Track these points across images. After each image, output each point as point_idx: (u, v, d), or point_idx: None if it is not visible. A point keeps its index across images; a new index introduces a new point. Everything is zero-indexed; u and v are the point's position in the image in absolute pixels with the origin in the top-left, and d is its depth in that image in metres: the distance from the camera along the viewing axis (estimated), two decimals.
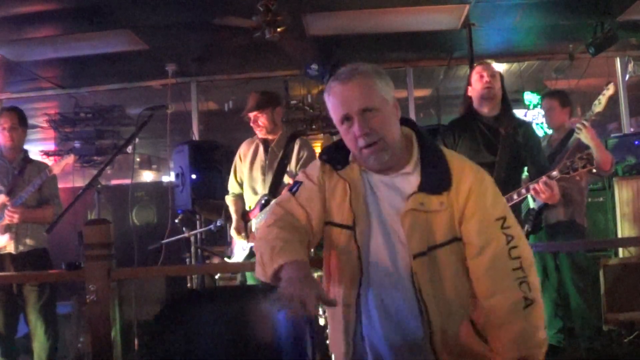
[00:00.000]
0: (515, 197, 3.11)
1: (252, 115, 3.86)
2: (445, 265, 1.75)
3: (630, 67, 6.79)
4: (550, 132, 4.63)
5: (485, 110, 3.38)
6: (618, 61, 6.85)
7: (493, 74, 3.35)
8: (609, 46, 5.75)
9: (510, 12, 5.35)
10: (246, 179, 3.92)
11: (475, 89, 3.39)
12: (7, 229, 3.87)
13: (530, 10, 5.27)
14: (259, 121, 3.86)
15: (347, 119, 1.77)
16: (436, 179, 1.78)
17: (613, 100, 6.77)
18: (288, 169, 3.60)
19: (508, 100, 3.43)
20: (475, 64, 3.50)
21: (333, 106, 1.80)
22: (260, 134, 3.92)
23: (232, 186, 4.04)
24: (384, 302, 1.77)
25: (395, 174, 1.82)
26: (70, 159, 4.06)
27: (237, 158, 4.03)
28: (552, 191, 3.02)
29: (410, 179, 1.80)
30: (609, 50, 5.95)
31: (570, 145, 3.97)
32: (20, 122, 4.05)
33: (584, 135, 3.75)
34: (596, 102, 3.70)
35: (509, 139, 3.27)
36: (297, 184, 1.91)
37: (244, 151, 3.99)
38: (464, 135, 3.39)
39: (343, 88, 1.77)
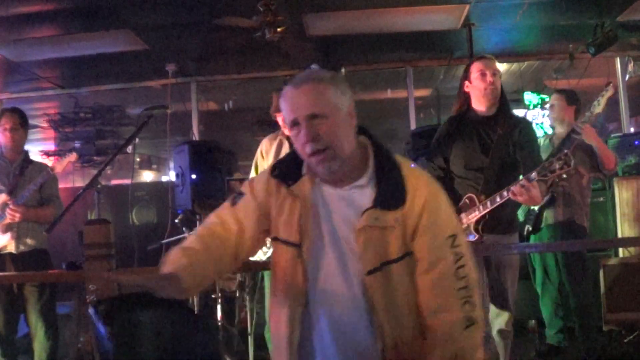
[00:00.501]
0: (497, 199, 3.05)
1: (279, 114, 3.83)
2: (398, 280, 1.73)
3: (630, 67, 6.79)
4: (550, 131, 4.63)
5: (483, 108, 3.29)
6: (618, 61, 6.86)
7: (495, 72, 3.25)
8: (609, 46, 5.75)
9: (510, 12, 5.35)
10: None
11: (475, 87, 3.27)
12: (9, 228, 3.87)
13: (530, 10, 5.27)
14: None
15: (295, 123, 1.73)
16: (391, 194, 1.74)
17: (613, 101, 6.80)
18: None
19: (506, 98, 3.35)
20: (474, 59, 3.37)
21: (284, 110, 1.76)
22: (287, 131, 3.89)
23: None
24: (336, 318, 1.75)
25: (349, 186, 1.77)
26: (72, 157, 4.07)
27: (258, 155, 3.94)
28: (530, 193, 2.93)
29: (365, 192, 1.76)
30: (609, 50, 5.94)
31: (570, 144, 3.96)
32: (22, 123, 4.06)
33: (586, 136, 3.75)
34: (595, 102, 3.67)
35: (504, 140, 3.20)
36: (240, 195, 1.88)
37: (266, 148, 3.90)
38: (460, 135, 3.31)
39: (294, 93, 1.73)
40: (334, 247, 1.76)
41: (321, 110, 1.70)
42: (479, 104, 3.30)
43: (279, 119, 3.80)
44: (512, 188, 2.97)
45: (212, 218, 1.89)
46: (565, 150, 2.95)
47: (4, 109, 4.22)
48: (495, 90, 3.24)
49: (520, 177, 3.13)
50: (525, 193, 2.92)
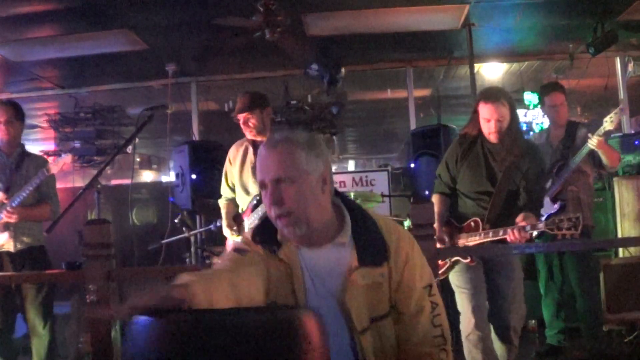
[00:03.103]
0: (500, 233, 3.16)
1: (242, 116, 3.86)
2: (388, 336, 1.76)
3: (630, 67, 6.80)
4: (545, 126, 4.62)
5: (490, 140, 3.35)
6: (618, 61, 6.86)
7: (500, 118, 3.25)
8: (609, 46, 5.75)
9: (510, 12, 5.35)
10: (237, 181, 3.91)
11: (482, 128, 3.33)
12: (6, 227, 3.87)
13: (530, 10, 5.28)
14: (249, 122, 3.86)
15: (263, 185, 1.73)
16: (374, 251, 1.75)
17: (613, 101, 6.80)
18: None
19: (517, 127, 3.38)
20: (481, 99, 3.34)
21: (257, 169, 1.76)
22: (250, 135, 3.91)
23: (224, 190, 4.03)
24: None
25: (328, 245, 1.77)
26: (67, 158, 4.04)
27: (227, 162, 4.00)
28: (522, 240, 3.09)
29: (345, 250, 1.76)
30: (609, 50, 5.94)
31: (578, 148, 3.97)
32: (17, 116, 4.00)
33: (595, 145, 3.82)
34: (607, 119, 3.72)
35: (512, 170, 3.28)
36: (244, 251, 1.80)
37: (233, 154, 3.97)
38: (467, 159, 3.39)
39: (265, 154, 1.73)
40: (327, 310, 1.68)
41: (287, 175, 1.69)
42: (487, 136, 3.36)
43: (240, 122, 3.85)
44: (509, 233, 3.10)
45: (222, 264, 1.81)
46: (578, 215, 3.03)
47: None
48: (499, 133, 3.28)
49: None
50: (520, 241, 3.09)
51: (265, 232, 1.80)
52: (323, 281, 1.76)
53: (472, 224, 3.32)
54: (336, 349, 1.71)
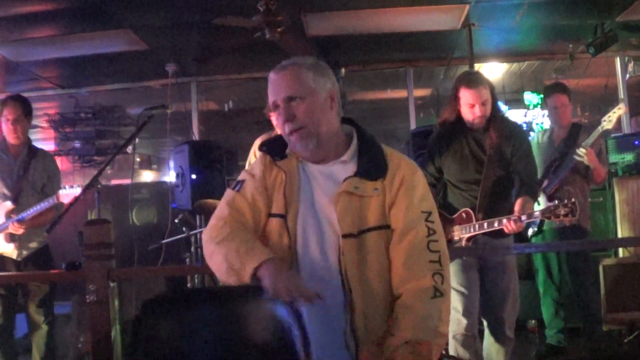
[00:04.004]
0: (495, 224, 3.12)
1: (272, 114, 3.84)
2: (373, 250, 1.80)
3: (630, 67, 6.79)
4: (542, 131, 4.64)
5: (473, 125, 3.30)
6: (618, 61, 6.85)
7: (484, 102, 3.21)
8: (609, 46, 5.74)
9: (510, 12, 5.34)
10: None
11: (464, 113, 3.27)
12: (12, 238, 3.85)
13: (530, 10, 5.27)
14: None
15: (276, 106, 1.86)
16: (372, 167, 1.85)
17: (613, 101, 6.80)
18: None
19: (498, 110, 3.33)
20: (462, 85, 3.26)
21: (268, 94, 1.89)
22: (280, 130, 3.88)
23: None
24: (312, 285, 1.76)
25: (332, 162, 1.89)
26: (78, 191, 3.78)
27: (251, 156, 3.94)
28: (519, 230, 3.11)
29: (346, 167, 1.87)
30: (609, 50, 5.94)
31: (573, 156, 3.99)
32: (25, 113, 3.94)
33: (587, 159, 3.88)
34: (606, 118, 3.74)
35: (497, 155, 3.23)
36: (239, 182, 1.95)
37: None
38: (451, 149, 3.32)
39: (275, 77, 1.87)
40: (312, 219, 1.84)
41: (298, 93, 1.83)
42: (468, 123, 3.29)
43: (273, 119, 3.81)
44: (505, 223, 3.06)
45: (224, 210, 1.91)
46: (573, 199, 3.00)
47: (7, 97, 4.05)
48: (483, 117, 3.24)
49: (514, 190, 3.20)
50: (517, 231, 3.10)
51: (273, 145, 1.95)
52: (316, 191, 1.87)
53: (464, 214, 3.27)
54: (321, 259, 1.82)
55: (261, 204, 1.88)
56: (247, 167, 4.01)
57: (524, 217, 3.05)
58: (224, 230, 1.85)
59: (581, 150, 3.85)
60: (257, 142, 3.97)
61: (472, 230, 3.21)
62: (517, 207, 3.13)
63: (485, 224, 3.16)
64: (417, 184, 1.88)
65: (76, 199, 3.29)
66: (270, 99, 1.88)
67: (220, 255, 1.80)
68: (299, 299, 1.65)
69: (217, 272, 1.85)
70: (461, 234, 3.25)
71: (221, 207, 1.93)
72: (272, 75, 1.88)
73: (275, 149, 1.94)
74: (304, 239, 1.84)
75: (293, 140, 1.86)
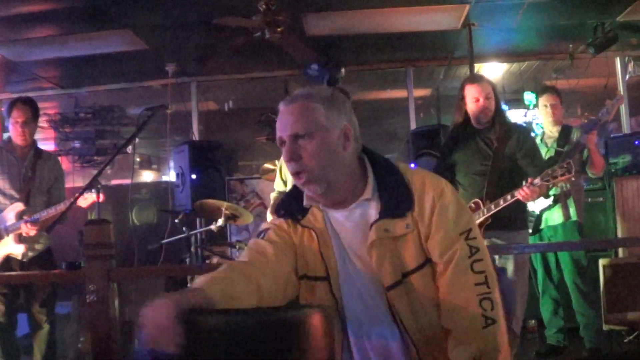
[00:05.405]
0: (501, 202, 3.31)
1: None
2: (423, 291, 1.66)
3: (630, 67, 6.79)
4: (539, 131, 4.65)
5: (478, 124, 3.55)
6: (618, 61, 6.85)
7: (488, 96, 3.47)
8: (609, 46, 5.75)
9: (510, 12, 5.35)
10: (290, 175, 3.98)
11: (470, 109, 3.53)
12: (22, 239, 3.86)
13: (530, 10, 5.27)
14: None
15: (282, 142, 1.68)
16: (397, 201, 1.66)
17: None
18: None
19: (500, 108, 3.61)
20: (466, 83, 3.58)
21: (277, 128, 1.71)
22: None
23: (278, 184, 4.21)
24: (365, 344, 1.70)
25: (355, 204, 1.70)
26: (92, 195, 3.69)
27: (278, 176, 4.19)
28: (534, 196, 3.26)
29: (370, 206, 1.70)
30: (609, 50, 5.94)
31: (573, 145, 4.00)
32: (34, 116, 3.97)
33: (588, 142, 3.91)
34: (604, 110, 3.78)
35: (501, 151, 3.44)
36: (264, 231, 1.77)
37: None
38: (460, 146, 3.57)
39: (284, 110, 1.68)
40: (353, 271, 1.70)
41: (305, 130, 1.63)
42: (475, 121, 3.55)
43: None
44: (518, 191, 3.23)
45: (246, 252, 1.74)
46: (568, 160, 3.20)
47: (16, 99, 4.04)
48: (488, 110, 3.49)
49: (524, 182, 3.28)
50: (531, 196, 3.22)
51: (290, 203, 1.77)
52: (348, 241, 1.70)
53: (472, 205, 3.44)
54: (369, 313, 1.69)
55: (289, 253, 1.71)
56: (274, 186, 4.14)
57: (536, 181, 3.19)
58: (224, 266, 1.67)
59: (586, 132, 3.89)
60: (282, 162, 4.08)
61: (481, 215, 3.36)
62: (529, 180, 3.27)
63: (492, 206, 3.33)
64: (449, 204, 1.67)
65: (76, 199, 3.29)
66: (277, 133, 1.69)
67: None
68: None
69: None
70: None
71: (246, 249, 1.75)
72: (281, 107, 1.69)
73: (292, 207, 1.75)
74: (349, 297, 1.70)
75: (299, 183, 1.69)
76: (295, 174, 1.67)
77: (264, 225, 1.82)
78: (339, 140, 1.67)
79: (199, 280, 1.55)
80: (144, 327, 1.34)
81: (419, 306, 1.65)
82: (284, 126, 1.67)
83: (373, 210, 1.69)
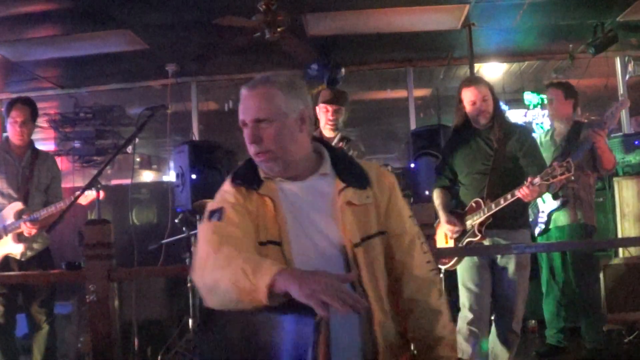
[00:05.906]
0: (502, 201, 3.31)
1: (331, 107, 3.84)
2: (379, 256, 1.83)
3: (630, 67, 6.80)
4: (548, 127, 4.63)
5: (478, 125, 3.55)
6: (618, 61, 6.85)
7: (485, 98, 3.48)
8: (609, 46, 5.75)
9: (510, 12, 5.35)
10: None
11: (468, 112, 3.54)
12: (22, 238, 3.86)
13: (530, 10, 5.27)
14: (337, 114, 3.87)
15: (244, 124, 1.82)
16: (356, 177, 1.85)
17: (613, 101, 6.79)
18: None
19: (499, 109, 3.61)
20: (462, 86, 3.60)
21: (239, 109, 1.83)
22: (329, 126, 3.91)
23: None
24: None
25: (311, 177, 1.85)
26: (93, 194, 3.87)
27: None
28: (533, 194, 3.24)
29: (328, 180, 1.85)
30: (609, 50, 5.94)
31: (581, 143, 3.99)
32: (32, 116, 3.99)
33: (597, 140, 3.87)
34: (609, 114, 3.77)
35: (502, 151, 3.45)
36: (217, 211, 1.77)
37: None
38: (461, 147, 3.59)
39: (246, 95, 1.81)
40: (307, 236, 1.79)
41: (266, 115, 1.77)
42: (474, 122, 3.56)
43: (325, 112, 3.90)
44: (518, 190, 3.23)
45: (211, 239, 1.72)
46: (568, 159, 3.18)
47: (16, 99, 4.06)
48: (486, 112, 3.50)
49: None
50: (531, 195, 3.21)
51: (246, 174, 1.86)
52: (306, 209, 1.81)
53: (474, 204, 3.45)
54: (329, 268, 1.69)
55: (250, 227, 1.76)
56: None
57: (536, 180, 3.18)
58: (219, 257, 1.64)
59: (596, 131, 3.83)
60: None
61: (482, 214, 3.38)
62: (529, 179, 3.27)
63: (493, 205, 3.34)
64: (399, 192, 1.93)
65: (76, 198, 3.29)
66: (240, 116, 1.82)
67: (224, 283, 1.58)
68: (343, 306, 1.41)
69: (225, 302, 1.61)
70: (473, 221, 3.42)
71: (207, 240, 1.72)
72: (243, 92, 1.82)
73: (248, 177, 1.84)
74: (303, 262, 1.73)
75: (258, 161, 1.83)
76: (256, 154, 1.81)
77: (213, 205, 1.81)
78: (296, 123, 1.81)
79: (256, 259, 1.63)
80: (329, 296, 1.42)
81: (373, 269, 1.80)
82: (246, 110, 1.80)
83: (331, 183, 1.84)
